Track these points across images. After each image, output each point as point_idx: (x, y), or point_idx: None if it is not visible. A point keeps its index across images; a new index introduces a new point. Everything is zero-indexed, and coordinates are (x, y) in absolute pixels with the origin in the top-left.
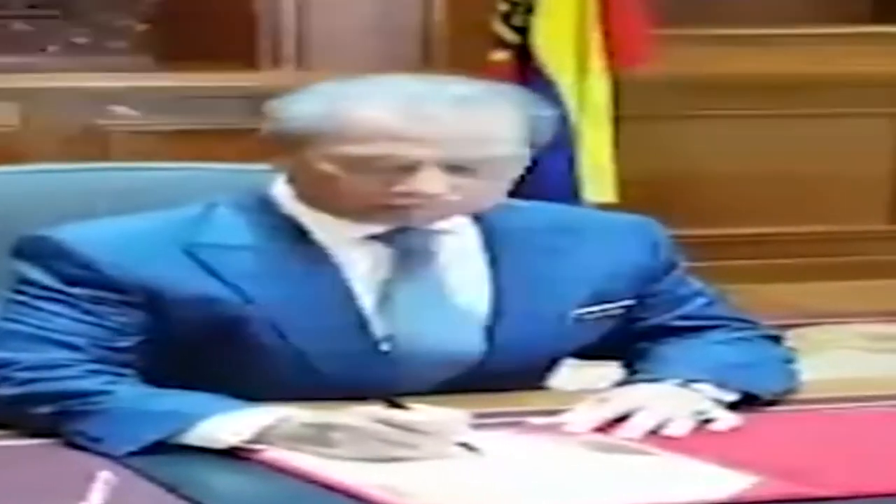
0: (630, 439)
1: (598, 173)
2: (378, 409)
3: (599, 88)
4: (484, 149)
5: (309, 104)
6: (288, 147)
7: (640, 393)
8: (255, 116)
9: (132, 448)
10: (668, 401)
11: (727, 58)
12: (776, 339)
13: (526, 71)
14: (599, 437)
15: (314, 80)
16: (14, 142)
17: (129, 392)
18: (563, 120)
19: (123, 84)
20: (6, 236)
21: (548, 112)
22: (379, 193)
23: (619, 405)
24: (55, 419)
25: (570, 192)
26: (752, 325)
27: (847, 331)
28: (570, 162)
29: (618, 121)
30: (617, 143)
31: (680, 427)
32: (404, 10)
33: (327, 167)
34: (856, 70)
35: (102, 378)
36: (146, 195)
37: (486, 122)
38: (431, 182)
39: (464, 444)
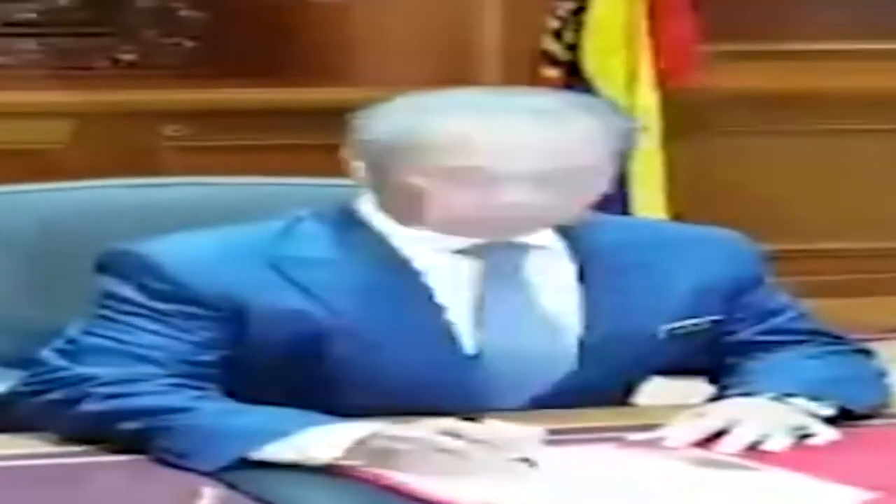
0: (729, 454)
1: (647, 188)
2: (448, 422)
3: (649, 104)
4: (569, 160)
5: (392, 118)
6: (372, 161)
7: (736, 407)
8: (308, 132)
9: (221, 463)
10: (766, 415)
11: (781, 73)
12: (867, 354)
13: (576, 87)
14: (699, 452)
15: (367, 97)
16: (66, 159)
17: (213, 407)
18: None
19: (174, 99)
20: (88, 251)
21: (632, 121)
22: (466, 206)
23: (717, 420)
24: (141, 435)
25: (620, 207)
26: (842, 339)
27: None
28: (621, 176)
29: (667, 135)
30: (667, 157)
31: (778, 442)
32: (455, 27)
33: (414, 180)
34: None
35: (185, 394)
36: (221, 210)
37: (569, 133)
38: (518, 194)
39: (524, 460)
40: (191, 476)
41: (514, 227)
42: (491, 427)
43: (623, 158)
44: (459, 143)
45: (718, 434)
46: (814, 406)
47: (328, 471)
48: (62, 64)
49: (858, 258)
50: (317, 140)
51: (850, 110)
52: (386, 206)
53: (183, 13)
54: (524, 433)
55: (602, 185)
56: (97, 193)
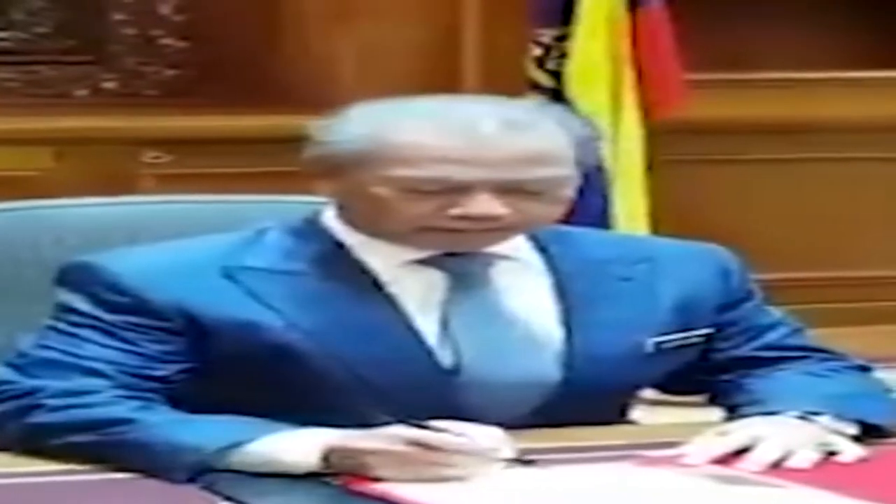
0: (753, 471)
1: (631, 217)
2: (409, 430)
3: (633, 133)
4: (536, 170)
5: (356, 127)
6: (335, 172)
7: (760, 426)
8: (287, 159)
9: (182, 475)
10: (790, 433)
11: (756, 102)
12: (866, 370)
13: None
14: (722, 469)
15: None
16: (47, 186)
17: (165, 418)
18: (598, 163)
19: (154, 127)
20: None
21: (593, 131)
22: (433, 216)
23: (740, 437)
24: (94, 448)
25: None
26: (838, 355)
27: (892, 376)
28: (605, 205)
29: (651, 165)
30: (650, 187)
31: (804, 459)
32: (437, 55)
33: (380, 190)
34: (884, 113)
35: (130, 405)
36: (189, 227)
37: (536, 143)
38: (485, 204)
39: (519, 461)
40: (184, 489)
41: (481, 239)
42: (455, 433)
43: (584, 168)
44: (426, 154)
45: (741, 452)
46: (838, 424)
47: (308, 477)
48: (43, 92)
49: (834, 287)
50: (296, 167)
51: (822, 139)
52: (351, 217)
53: (163, 41)
54: (487, 435)
55: (568, 193)
56: (67, 212)
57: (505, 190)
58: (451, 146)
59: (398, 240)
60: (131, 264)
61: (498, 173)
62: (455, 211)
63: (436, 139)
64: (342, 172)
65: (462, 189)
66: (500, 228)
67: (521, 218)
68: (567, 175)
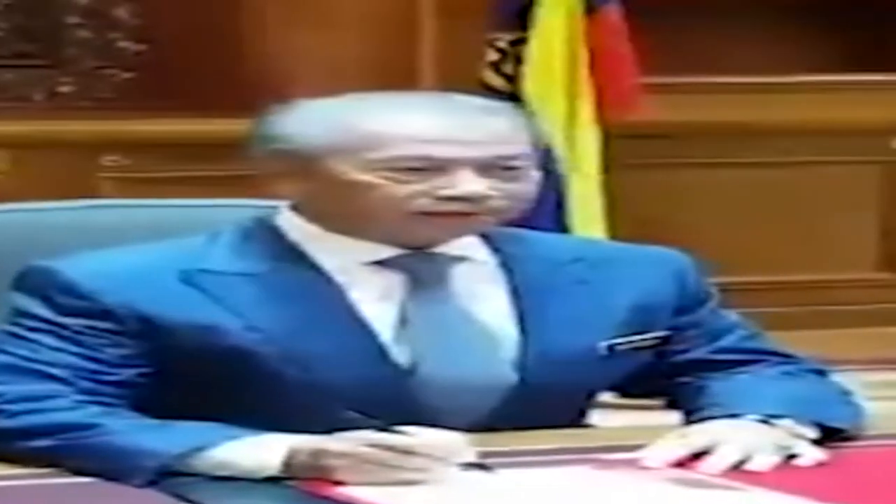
0: (712, 474)
1: (587, 220)
2: (369, 434)
3: (589, 137)
4: (509, 147)
5: (318, 121)
6: (301, 169)
7: (719, 428)
8: (245, 163)
9: (142, 480)
10: (750, 436)
11: (715, 106)
12: (823, 373)
13: None
14: (681, 472)
15: None
16: (4, 189)
17: (125, 424)
18: (554, 166)
19: (111, 130)
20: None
21: (539, 120)
22: (423, 199)
23: (700, 440)
24: (54, 452)
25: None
26: (795, 358)
27: (849, 379)
28: (560, 209)
29: (608, 168)
30: (606, 191)
31: (764, 462)
32: (392, 57)
33: (363, 176)
34: (843, 118)
35: (89, 410)
36: (147, 231)
37: (504, 122)
38: (471, 183)
39: (477, 465)
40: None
41: (471, 223)
42: (414, 436)
43: (539, 151)
44: (406, 135)
45: (700, 455)
46: (799, 427)
47: (269, 481)
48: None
49: (791, 290)
50: (254, 171)
51: (780, 143)
52: (320, 214)
53: (120, 45)
54: (447, 439)
55: (533, 177)
56: (26, 217)
57: (485, 168)
58: (429, 126)
59: (381, 230)
60: (88, 269)
61: (477, 151)
62: (444, 192)
63: (411, 121)
64: (310, 167)
65: (445, 168)
66: (488, 211)
67: (505, 197)
68: (530, 156)
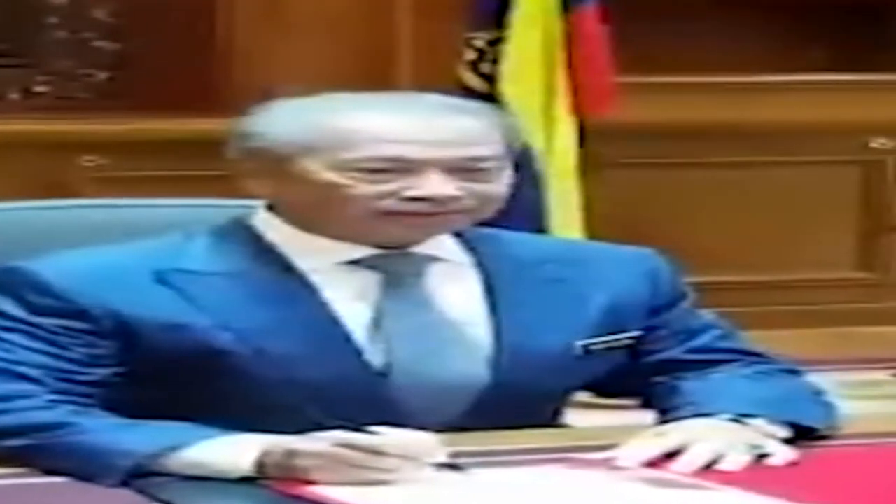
0: (684, 474)
1: (565, 220)
2: (341, 434)
3: (566, 135)
4: (479, 148)
5: (291, 120)
6: (273, 167)
7: (693, 427)
8: (222, 162)
9: (114, 480)
10: (722, 435)
11: (693, 105)
12: (796, 373)
13: None
14: (653, 472)
15: None
16: None
17: (98, 423)
18: (531, 166)
19: (89, 130)
20: None
21: (516, 120)
22: (389, 199)
23: (672, 440)
24: (27, 452)
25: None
26: (768, 358)
27: (826, 379)
28: (537, 207)
29: (586, 168)
30: (584, 191)
31: (735, 461)
32: (370, 57)
33: (331, 175)
34: (822, 118)
35: (62, 409)
36: (125, 231)
37: (474, 122)
38: (439, 185)
39: (448, 466)
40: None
41: (439, 223)
42: (387, 436)
43: (513, 152)
44: (376, 135)
45: (673, 454)
46: (771, 427)
47: (243, 481)
48: None
49: (769, 290)
50: (231, 170)
51: (757, 142)
52: (292, 214)
53: (96, 44)
54: (419, 440)
55: (506, 177)
56: (3, 216)
57: (453, 169)
58: (398, 127)
59: (351, 230)
60: (61, 268)
61: (446, 151)
62: (410, 192)
63: (382, 122)
64: (282, 166)
65: (413, 169)
66: (456, 211)
67: (474, 198)
68: (501, 157)
